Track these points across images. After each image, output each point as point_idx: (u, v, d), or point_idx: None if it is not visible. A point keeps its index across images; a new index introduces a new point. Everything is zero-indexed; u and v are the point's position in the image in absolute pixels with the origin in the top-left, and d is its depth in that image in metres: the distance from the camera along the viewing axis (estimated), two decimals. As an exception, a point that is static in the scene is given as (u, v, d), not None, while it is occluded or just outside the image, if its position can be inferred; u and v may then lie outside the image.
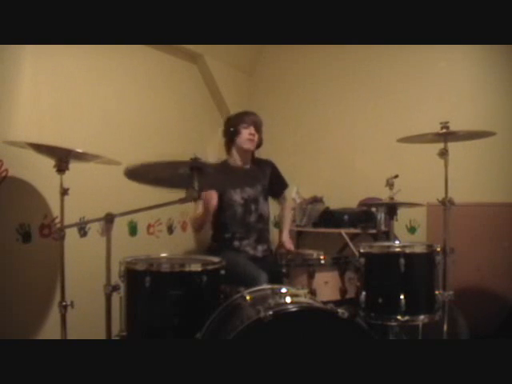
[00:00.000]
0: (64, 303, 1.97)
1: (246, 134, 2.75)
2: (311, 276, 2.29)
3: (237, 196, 2.75)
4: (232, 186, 2.63)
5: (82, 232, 2.49)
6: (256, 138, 2.78)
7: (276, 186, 2.94)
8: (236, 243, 2.72)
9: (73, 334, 2.00)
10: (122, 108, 2.75)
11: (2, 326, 2.04)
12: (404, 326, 2.16)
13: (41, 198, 2.27)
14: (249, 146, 2.78)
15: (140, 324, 1.83)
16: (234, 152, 2.80)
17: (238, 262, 2.44)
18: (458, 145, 2.32)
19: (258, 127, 2.80)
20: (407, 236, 3.26)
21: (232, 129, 2.77)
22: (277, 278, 2.26)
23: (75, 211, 2.28)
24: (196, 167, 1.67)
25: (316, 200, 3.47)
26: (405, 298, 2.03)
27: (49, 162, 1.97)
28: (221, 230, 2.77)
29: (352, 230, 3.08)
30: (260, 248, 2.77)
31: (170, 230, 3.13)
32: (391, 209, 2.56)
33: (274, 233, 3.61)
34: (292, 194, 3.00)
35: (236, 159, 2.79)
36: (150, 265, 1.82)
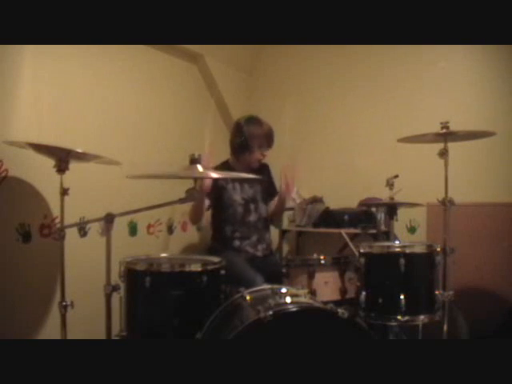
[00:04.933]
0: (64, 303, 1.96)
1: (258, 155, 2.73)
2: (311, 276, 2.29)
3: (237, 196, 2.74)
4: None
5: (82, 232, 2.49)
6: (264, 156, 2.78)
7: (268, 190, 2.90)
8: (236, 243, 2.72)
9: (73, 334, 2.00)
10: (122, 108, 2.75)
11: (2, 325, 2.04)
12: (404, 326, 2.17)
13: (41, 198, 2.26)
14: (255, 165, 2.76)
15: (140, 324, 1.84)
16: (239, 159, 2.77)
17: (236, 264, 2.43)
18: (457, 145, 2.32)
19: (270, 148, 2.78)
20: (407, 236, 3.26)
21: (246, 144, 2.69)
22: (277, 278, 2.26)
23: (75, 211, 2.28)
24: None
25: (316, 200, 3.46)
26: (405, 298, 2.03)
27: (49, 162, 1.97)
28: (221, 228, 2.76)
29: (352, 230, 3.07)
30: (260, 247, 2.77)
31: (170, 230, 3.13)
32: (391, 209, 2.56)
33: (274, 233, 3.61)
34: (292, 194, 2.97)
35: (237, 164, 2.78)
36: (150, 265, 1.82)
